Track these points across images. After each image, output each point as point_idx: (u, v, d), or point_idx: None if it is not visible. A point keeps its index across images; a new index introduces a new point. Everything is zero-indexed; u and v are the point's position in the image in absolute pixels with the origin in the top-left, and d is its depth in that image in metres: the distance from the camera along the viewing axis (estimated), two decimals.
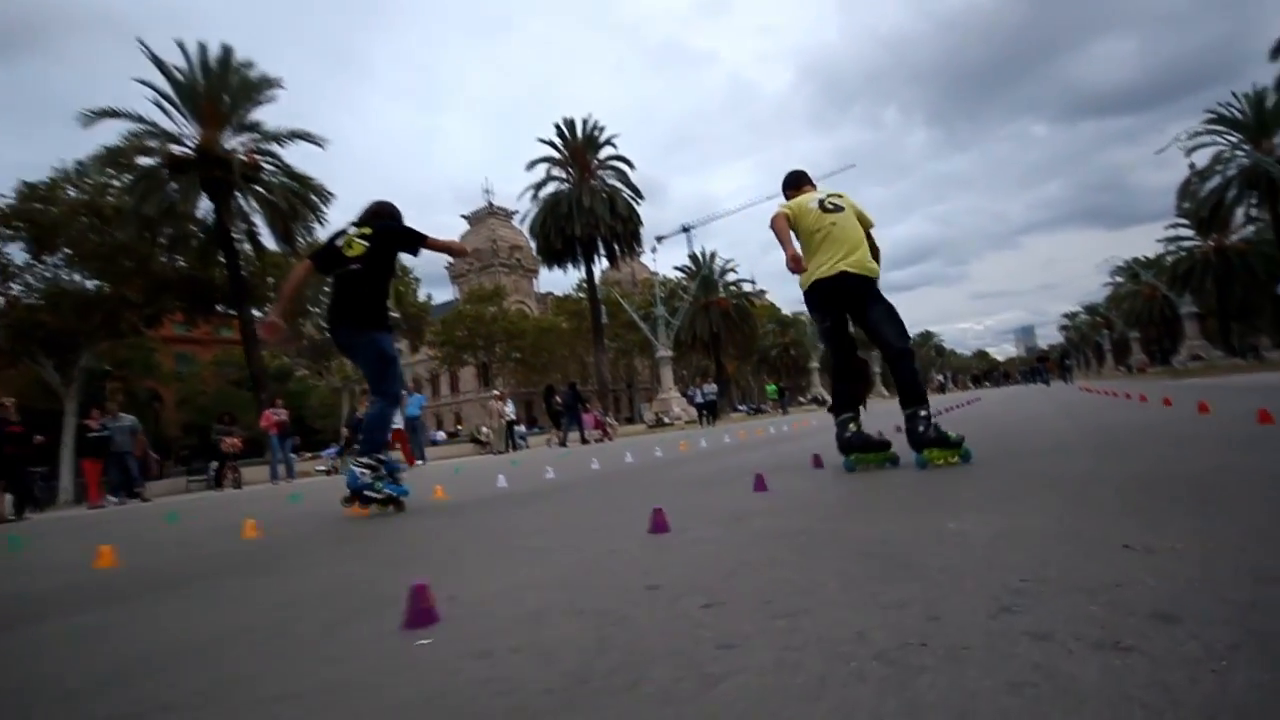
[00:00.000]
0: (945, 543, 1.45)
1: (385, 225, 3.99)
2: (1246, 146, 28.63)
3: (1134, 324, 59.26)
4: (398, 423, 14.51)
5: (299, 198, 24.87)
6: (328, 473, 14.87)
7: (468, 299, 48.97)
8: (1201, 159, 32.22)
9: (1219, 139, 30.60)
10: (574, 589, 1.42)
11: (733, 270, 45.46)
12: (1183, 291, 43.41)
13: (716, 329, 41.47)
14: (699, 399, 20.67)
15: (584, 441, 16.37)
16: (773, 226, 3.55)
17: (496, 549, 2.19)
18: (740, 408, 44.60)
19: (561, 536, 2.28)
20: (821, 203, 3.59)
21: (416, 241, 3.97)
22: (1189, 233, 45.54)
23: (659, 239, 67.78)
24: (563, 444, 16.20)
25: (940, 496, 2.25)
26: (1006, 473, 2.57)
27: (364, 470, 3.69)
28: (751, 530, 1.91)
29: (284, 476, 13.14)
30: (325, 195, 26.31)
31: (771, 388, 23.62)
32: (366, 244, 3.82)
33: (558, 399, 17.26)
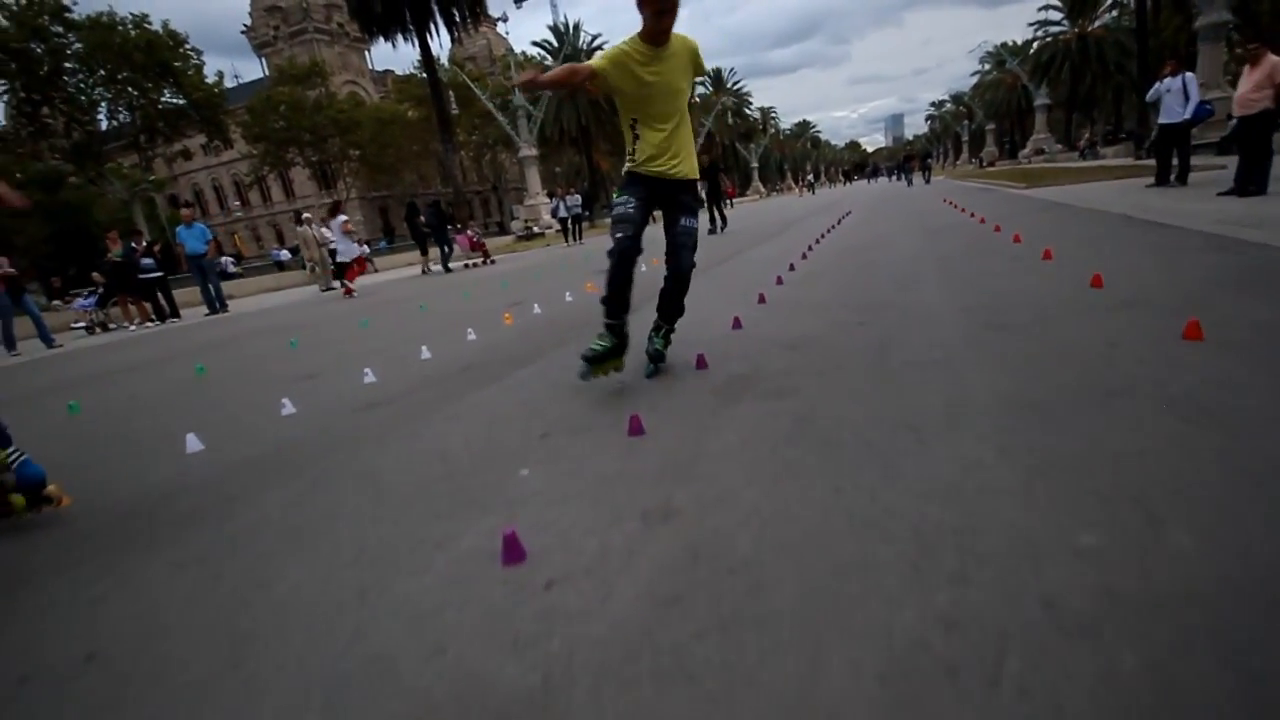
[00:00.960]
0: None
1: None
2: None
3: (992, 115, 61.33)
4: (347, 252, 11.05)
5: None
6: (89, 329, 11.76)
7: (278, 79, 39.38)
8: None
9: None
10: None
11: (601, 48, 39.54)
12: (1041, 82, 44.35)
13: (585, 121, 37.03)
14: (562, 212, 18.40)
15: (445, 269, 14.20)
16: None
17: None
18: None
19: None
20: None
21: None
22: (1058, 16, 45.26)
23: (518, 1, 57.18)
24: (444, 267, 14.19)
25: None
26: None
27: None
28: None
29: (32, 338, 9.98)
30: None
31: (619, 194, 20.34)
32: None
33: (422, 219, 14.79)
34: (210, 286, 11.15)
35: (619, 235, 2.72)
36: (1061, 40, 44.47)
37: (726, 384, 2.64)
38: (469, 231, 15.87)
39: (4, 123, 28.68)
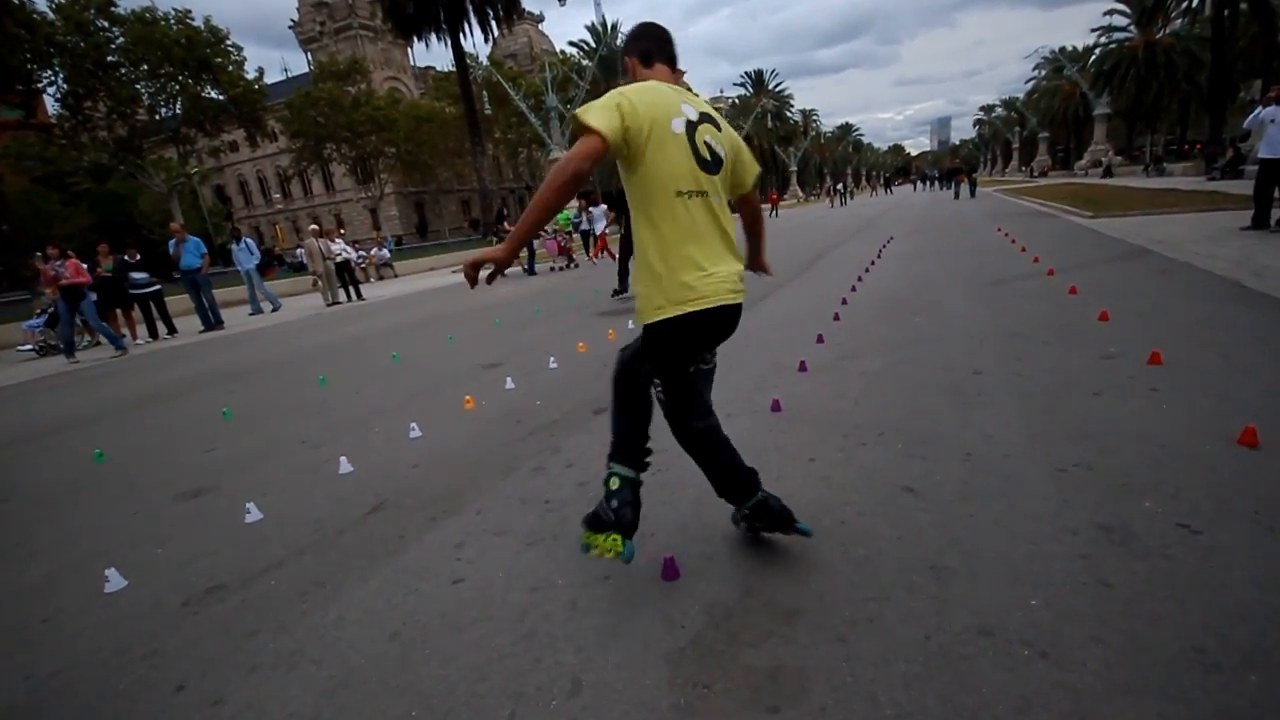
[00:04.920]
0: None
1: None
2: None
3: (1046, 123, 58.49)
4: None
5: None
6: (39, 351, 10.32)
7: (319, 76, 39.53)
8: None
9: None
10: None
11: None
12: (1102, 91, 41.82)
13: None
14: (585, 225, 17.53)
15: (530, 271, 14.82)
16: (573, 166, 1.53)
17: None
18: None
19: None
20: (698, 121, 1.71)
21: None
22: (1124, 22, 42.58)
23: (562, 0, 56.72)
24: (529, 270, 14.89)
25: None
26: None
27: None
28: None
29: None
30: None
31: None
32: None
33: (506, 224, 17.05)
34: (204, 300, 10.65)
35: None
36: (1127, 47, 41.78)
37: (696, 641, 1.71)
38: (557, 238, 15.86)
39: (51, 115, 29.21)
